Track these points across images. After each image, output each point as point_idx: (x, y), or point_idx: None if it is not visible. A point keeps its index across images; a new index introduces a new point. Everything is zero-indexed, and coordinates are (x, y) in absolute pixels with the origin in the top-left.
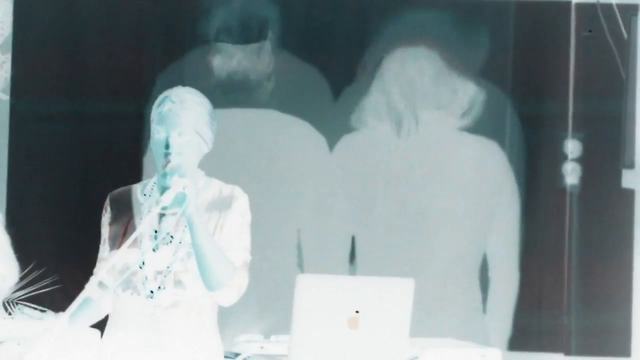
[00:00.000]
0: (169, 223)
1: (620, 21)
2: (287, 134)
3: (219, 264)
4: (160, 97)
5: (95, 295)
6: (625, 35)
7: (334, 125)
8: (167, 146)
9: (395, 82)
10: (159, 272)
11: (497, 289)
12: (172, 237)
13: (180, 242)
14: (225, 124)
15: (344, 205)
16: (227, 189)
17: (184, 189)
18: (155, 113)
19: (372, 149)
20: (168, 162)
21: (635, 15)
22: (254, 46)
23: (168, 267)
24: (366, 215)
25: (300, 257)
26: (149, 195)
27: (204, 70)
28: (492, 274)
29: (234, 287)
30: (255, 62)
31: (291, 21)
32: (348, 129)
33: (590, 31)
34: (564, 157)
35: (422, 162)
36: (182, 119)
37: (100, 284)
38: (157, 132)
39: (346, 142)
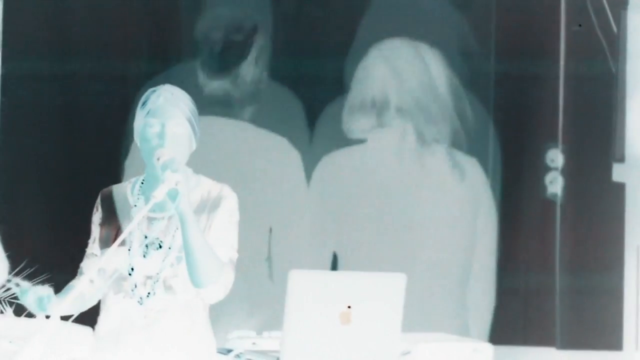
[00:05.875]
0: (158, 227)
1: (610, 15)
2: (264, 149)
3: (207, 261)
4: (147, 93)
5: (84, 290)
6: (615, 30)
7: (312, 147)
8: (162, 137)
9: (373, 91)
10: (149, 278)
11: (477, 281)
12: (161, 242)
13: (169, 248)
14: (208, 134)
15: (326, 219)
16: (216, 188)
17: (176, 184)
18: (145, 108)
19: (353, 163)
20: (161, 155)
21: (625, 9)
22: (236, 66)
23: (158, 273)
24: (345, 235)
25: (270, 266)
26: (138, 195)
27: (187, 85)
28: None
29: (220, 284)
30: (236, 83)
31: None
32: (327, 148)
33: (580, 25)
34: (555, 146)
35: (402, 176)
36: (177, 111)
37: (90, 282)
38: (151, 126)
39: (326, 159)
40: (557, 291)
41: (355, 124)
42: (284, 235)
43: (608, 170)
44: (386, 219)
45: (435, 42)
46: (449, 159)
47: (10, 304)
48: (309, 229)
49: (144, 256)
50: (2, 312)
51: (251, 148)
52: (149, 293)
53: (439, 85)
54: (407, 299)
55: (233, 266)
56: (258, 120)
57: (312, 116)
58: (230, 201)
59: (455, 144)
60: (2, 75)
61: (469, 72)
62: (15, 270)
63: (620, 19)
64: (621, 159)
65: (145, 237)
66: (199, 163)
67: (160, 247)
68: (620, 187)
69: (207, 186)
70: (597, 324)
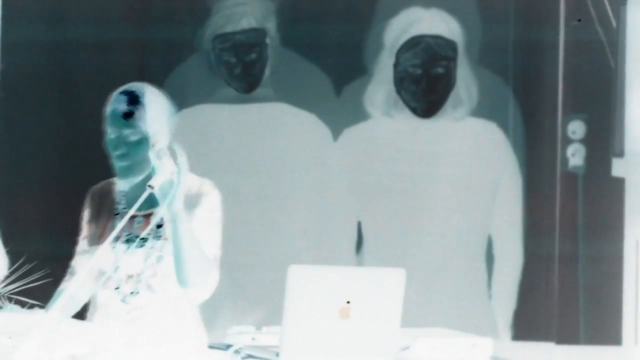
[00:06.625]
0: (140, 225)
1: (609, 10)
2: (292, 126)
3: (197, 260)
4: (114, 93)
5: (76, 292)
6: (615, 24)
7: (337, 118)
8: (117, 147)
9: (392, 72)
10: (130, 277)
11: (502, 274)
12: (144, 240)
13: (152, 248)
14: (231, 119)
15: (347, 195)
16: (195, 185)
17: (172, 174)
18: (109, 110)
19: (373, 136)
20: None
21: (624, 4)
22: (252, 43)
23: (140, 274)
24: (370, 204)
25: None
26: (124, 195)
27: (206, 72)
28: (497, 258)
29: (207, 283)
30: (255, 58)
31: (288, 16)
32: (350, 120)
33: (579, 20)
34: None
35: (423, 147)
36: (134, 117)
37: (80, 283)
38: (108, 133)
39: (349, 132)
40: (555, 285)
41: (376, 96)
42: (314, 207)
43: (607, 165)
44: (408, 188)
45: (452, 10)
46: (469, 126)
47: (10, 299)
48: (335, 199)
49: (127, 253)
50: (1, 308)
51: (282, 126)
52: (132, 292)
53: (457, 54)
54: (433, 259)
55: (217, 264)
56: (285, 98)
57: (338, 90)
58: (210, 198)
59: (474, 113)
60: (1, 71)
61: (486, 41)
62: (14, 266)
63: (620, 14)
64: (620, 154)
65: (129, 234)
66: (231, 144)
67: (143, 245)
68: (619, 182)
69: (187, 182)
70: (597, 319)
